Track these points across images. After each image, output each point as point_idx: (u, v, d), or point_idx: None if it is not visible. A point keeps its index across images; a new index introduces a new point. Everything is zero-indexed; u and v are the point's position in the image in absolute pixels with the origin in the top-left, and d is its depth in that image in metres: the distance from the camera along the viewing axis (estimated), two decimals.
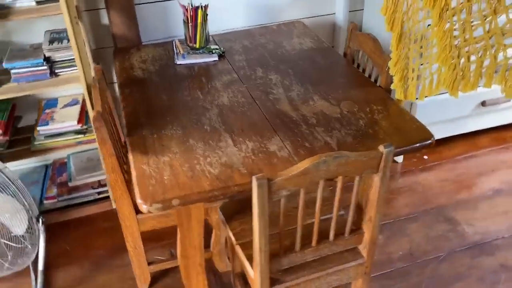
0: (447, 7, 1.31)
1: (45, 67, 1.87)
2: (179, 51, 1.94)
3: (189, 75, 1.80)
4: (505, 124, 2.61)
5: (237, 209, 1.54)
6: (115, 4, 2.01)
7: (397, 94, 1.55)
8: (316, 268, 1.36)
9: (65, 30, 1.84)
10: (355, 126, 1.45)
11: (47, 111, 2.09)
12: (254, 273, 1.29)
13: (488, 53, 1.35)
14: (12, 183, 1.64)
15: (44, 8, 1.74)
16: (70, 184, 2.19)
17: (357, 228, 1.37)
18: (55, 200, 2.16)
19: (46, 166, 2.36)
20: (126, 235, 1.64)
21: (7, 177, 1.62)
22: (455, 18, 1.33)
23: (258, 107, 1.57)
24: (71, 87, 1.91)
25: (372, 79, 1.77)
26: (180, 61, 1.88)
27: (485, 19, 1.30)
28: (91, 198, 2.18)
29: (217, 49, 1.94)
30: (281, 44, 2.02)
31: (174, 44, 2.01)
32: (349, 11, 2.45)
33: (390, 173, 2.37)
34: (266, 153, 1.34)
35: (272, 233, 1.23)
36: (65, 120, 2.02)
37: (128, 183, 1.49)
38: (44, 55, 1.86)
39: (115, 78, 1.92)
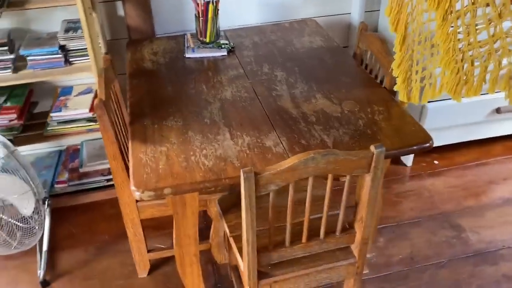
0: (451, 9, 1.30)
1: (60, 55, 1.93)
2: (190, 45, 1.97)
3: (196, 68, 1.83)
4: None
5: (234, 202, 1.56)
6: None
7: (400, 96, 1.54)
8: (306, 264, 1.37)
9: (80, 20, 1.89)
10: (353, 126, 1.45)
11: (61, 98, 2.16)
12: (243, 265, 1.32)
13: (492, 57, 1.33)
14: (21, 165, 1.70)
15: None
16: (81, 170, 2.25)
17: (350, 227, 1.38)
18: (66, 184, 2.22)
19: (60, 152, 2.43)
20: (126, 222, 1.68)
21: (16, 159, 1.69)
22: (459, 21, 1.31)
23: (260, 102, 1.59)
24: (84, 75, 1.96)
25: (378, 80, 1.76)
26: (189, 55, 1.91)
27: (490, 23, 1.28)
28: (100, 184, 2.24)
29: (226, 44, 1.96)
30: (291, 41, 2.03)
31: (185, 38, 2.04)
32: (365, 11, 2.43)
33: (398, 176, 2.39)
34: (262, 148, 1.36)
35: (265, 228, 1.25)
36: (78, 107, 2.08)
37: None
38: (59, 44, 1.92)
39: None
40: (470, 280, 1.85)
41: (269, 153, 1.34)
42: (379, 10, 2.48)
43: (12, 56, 1.91)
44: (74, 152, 2.41)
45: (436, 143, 2.41)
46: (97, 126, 2.09)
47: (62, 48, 1.93)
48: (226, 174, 1.26)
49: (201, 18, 1.91)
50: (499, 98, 2.21)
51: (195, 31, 2.01)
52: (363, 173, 1.21)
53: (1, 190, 1.72)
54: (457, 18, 1.30)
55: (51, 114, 2.06)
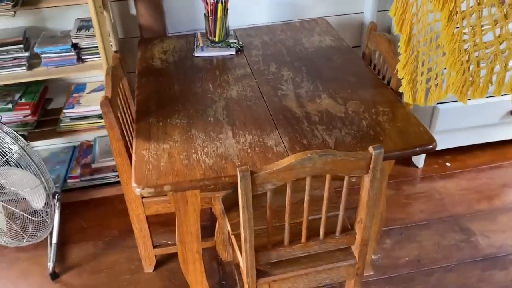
0: (456, 10, 1.28)
1: (73, 53, 1.97)
2: (199, 44, 1.99)
3: (204, 67, 1.84)
4: None
5: (237, 201, 1.57)
6: None
7: (406, 98, 1.52)
8: (305, 264, 1.38)
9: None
10: (356, 127, 1.44)
11: (75, 95, 2.21)
12: (242, 263, 1.33)
13: (498, 59, 1.31)
14: (32, 160, 1.75)
15: None
16: (93, 166, 2.30)
17: (351, 228, 1.37)
18: (78, 179, 2.27)
19: (74, 147, 2.49)
20: (132, 217, 1.71)
21: (28, 154, 1.73)
22: (465, 21, 1.29)
23: (264, 102, 1.59)
24: (96, 73, 2.00)
25: (386, 81, 1.74)
26: (198, 54, 1.93)
27: (496, 24, 1.26)
28: (111, 180, 2.28)
29: (235, 43, 1.97)
30: (300, 41, 2.03)
31: (195, 37, 2.06)
32: (378, 11, 2.41)
33: (409, 178, 2.36)
34: (263, 147, 1.36)
35: (265, 227, 1.26)
36: (90, 104, 2.12)
37: None
38: (72, 42, 1.96)
39: None
40: (478, 284, 1.82)
41: (269, 152, 1.34)
42: None
43: (27, 54, 1.96)
44: (87, 148, 2.46)
45: (449, 145, 2.41)
46: None
47: (75, 46, 1.97)
48: (226, 172, 1.27)
49: (210, 18, 1.92)
50: None
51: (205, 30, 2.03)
52: (362, 174, 1.20)
53: (13, 184, 1.78)
54: (463, 19, 1.29)
55: (64, 111, 2.11)
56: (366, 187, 1.23)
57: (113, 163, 2.30)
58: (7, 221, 1.82)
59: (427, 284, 1.82)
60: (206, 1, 1.90)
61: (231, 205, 1.57)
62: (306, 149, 1.34)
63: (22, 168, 1.78)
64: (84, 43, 1.98)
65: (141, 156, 1.34)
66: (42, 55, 1.96)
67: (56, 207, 1.88)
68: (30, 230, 1.89)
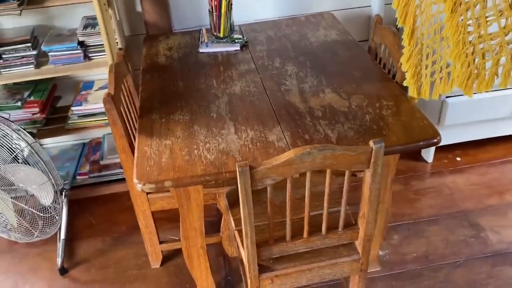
0: (460, 0, 1.25)
1: (79, 51, 1.99)
2: (204, 40, 1.99)
3: (208, 63, 1.84)
4: None
5: None
6: None
7: (410, 91, 1.50)
8: (308, 259, 1.37)
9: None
10: (360, 121, 1.42)
11: (83, 92, 2.23)
12: (244, 258, 1.33)
13: (504, 50, 1.28)
14: (40, 157, 1.77)
15: None
16: (101, 162, 2.32)
17: (355, 223, 1.36)
18: (87, 176, 2.30)
19: (84, 144, 2.51)
20: (138, 213, 1.73)
21: (35, 151, 1.76)
22: (469, 12, 1.26)
23: (268, 97, 1.59)
24: (103, 70, 2.01)
25: (391, 75, 1.72)
26: (202, 49, 1.93)
27: (501, 15, 1.23)
28: (119, 177, 2.30)
29: (240, 39, 1.97)
30: (306, 35, 2.01)
31: (201, 33, 2.06)
32: (385, 4, 2.38)
33: (418, 173, 2.33)
34: (264, 142, 1.36)
35: (267, 222, 1.26)
36: (98, 101, 2.14)
37: None
38: (78, 40, 1.98)
39: None
40: (487, 280, 1.79)
41: (271, 148, 1.34)
42: None
43: (34, 52, 1.98)
44: (96, 145, 2.48)
45: (459, 140, 2.37)
46: None
47: (81, 44, 1.99)
48: (227, 168, 1.27)
49: (214, 13, 1.92)
50: None
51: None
52: (363, 168, 1.19)
53: (22, 180, 1.80)
54: (467, 10, 1.26)
55: (72, 108, 2.13)
56: (368, 181, 1.21)
57: None
58: (17, 217, 1.85)
59: (435, 280, 1.80)
60: None
61: (235, 201, 1.56)
62: (308, 144, 1.33)
63: (30, 165, 1.81)
64: (90, 41, 1.99)
65: (143, 152, 1.35)
66: (50, 53, 1.99)
67: (63, 203, 1.90)
68: (40, 226, 1.92)
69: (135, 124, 1.68)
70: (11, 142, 1.78)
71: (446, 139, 2.33)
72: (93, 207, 2.25)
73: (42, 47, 1.98)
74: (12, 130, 1.76)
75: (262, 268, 1.34)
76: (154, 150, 1.35)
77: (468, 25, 1.29)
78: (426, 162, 2.40)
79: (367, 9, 2.44)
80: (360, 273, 1.42)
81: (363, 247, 1.36)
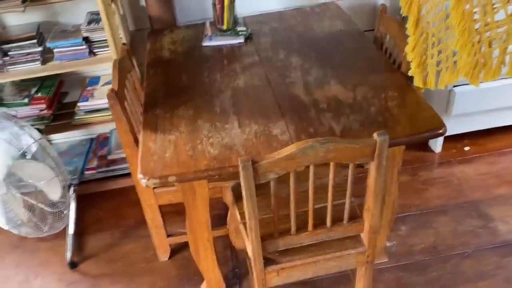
0: None
1: (84, 47, 1.99)
2: (208, 33, 1.98)
3: (212, 57, 1.84)
4: None
5: None
6: None
7: (416, 81, 1.48)
8: (313, 252, 1.37)
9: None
10: (365, 113, 1.41)
11: (89, 88, 2.24)
12: (250, 252, 1.33)
13: (511, 38, 1.25)
14: (47, 153, 1.79)
15: None
16: (109, 157, 2.34)
17: (361, 216, 1.36)
18: (95, 171, 2.32)
19: (92, 140, 2.53)
20: (144, 207, 1.74)
21: (42, 147, 1.77)
22: (475, 0, 1.24)
23: (272, 90, 1.58)
24: (108, 65, 2.01)
25: (396, 65, 1.70)
26: (206, 43, 1.92)
27: (508, 2, 1.20)
28: (127, 171, 2.31)
29: (244, 31, 1.95)
30: (311, 26, 1.99)
31: (204, 26, 2.05)
32: None
33: (426, 163, 2.31)
34: (268, 136, 1.36)
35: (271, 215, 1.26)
36: (104, 97, 2.14)
37: None
38: (83, 35, 1.98)
39: None
40: (496, 271, 1.78)
41: (275, 142, 1.33)
42: None
43: (40, 49, 1.99)
44: (104, 140, 2.50)
45: (467, 129, 2.34)
46: None
47: (86, 39, 1.99)
48: (231, 162, 1.27)
49: (217, 6, 1.91)
50: None
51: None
52: (367, 161, 1.18)
53: (31, 176, 1.82)
54: None
55: (78, 104, 2.14)
56: (373, 174, 1.20)
57: None
58: (27, 213, 1.87)
59: (443, 271, 1.79)
60: None
61: (241, 194, 1.56)
62: (312, 137, 1.32)
63: (39, 161, 1.82)
64: (94, 36, 2.00)
65: (148, 147, 1.35)
66: (55, 50, 1.99)
67: (72, 198, 1.92)
68: (49, 221, 1.94)
69: (140, 119, 1.68)
70: (19, 138, 1.79)
71: (454, 128, 2.30)
72: (101, 201, 2.27)
73: (47, 43, 1.99)
74: (20, 126, 1.78)
75: (268, 261, 1.35)
76: (158, 145, 1.35)
77: (474, 13, 1.26)
78: (434, 152, 2.38)
79: None
80: (366, 265, 1.42)
81: (368, 239, 1.35)
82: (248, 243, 1.30)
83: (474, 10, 1.26)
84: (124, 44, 1.92)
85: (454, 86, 2.11)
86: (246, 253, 1.78)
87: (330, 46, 1.82)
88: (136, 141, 1.56)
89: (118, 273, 1.91)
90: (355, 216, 1.35)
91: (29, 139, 1.77)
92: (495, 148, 2.36)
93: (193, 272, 1.86)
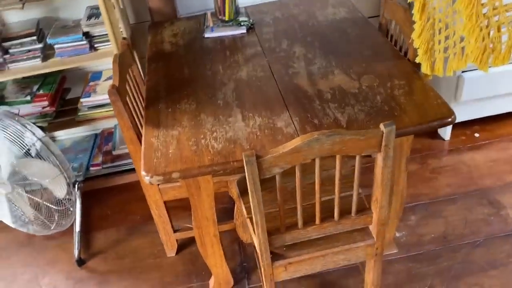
0: None
1: (85, 42, 1.97)
2: (209, 24, 1.95)
3: (214, 48, 1.81)
4: None
5: None
6: None
7: (423, 68, 1.44)
8: (321, 246, 1.35)
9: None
10: (370, 102, 1.38)
11: (91, 83, 2.22)
12: (257, 247, 1.31)
13: None
14: (51, 151, 1.77)
15: None
16: (114, 153, 2.32)
17: (368, 207, 1.33)
18: (100, 167, 2.30)
19: (96, 135, 2.52)
20: (150, 203, 1.73)
21: (45, 145, 1.76)
22: None
23: (275, 81, 1.55)
24: (109, 60, 1.99)
25: (402, 52, 1.66)
26: (208, 34, 1.89)
27: None
28: (132, 166, 2.29)
29: (246, 21, 1.92)
30: (314, 14, 1.95)
31: (206, 17, 2.02)
32: None
33: (434, 151, 2.27)
34: (273, 129, 1.33)
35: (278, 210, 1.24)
36: (106, 92, 2.12)
37: None
38: (83, 31, 1.96)
39: None
40: (508, 259, 1.75)
41: (279, 134, 1.30)
42: None
43: (40, 46, 1.97)
44: (108, 135, 2.48)
45: (477, 115, 2.30)
46: None
47: (86, 34, 1.97)
48: (235, 157, 1.25)
49: None
50: None
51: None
52: (374, 152, 1.15)
53: (35, 174, 1.81)
54: None
55: (81, 100, 2.13)
56: (380, 165, 1.18)
57: None
58: (33, 211, 1.86)
59: (454, 261, 1.77)
60: None
61: (246, 188, 1.54)
62: (317, 129, 1.30)
63: (43, 159, 1.81)
64: (95, 31, 1.97)
65: (150, 143, 1.33)
66: (55, 46, 1.97)
67: (77, 196, 1.91)
68: (56, 218, 1.94)
69: (143, 113, 1.66)
70: (22, 137, 1.78)
71: (463, 115, 2.26)
72: (107, 197, 2.26)
73: (47, 40, 1.97)
74: (22, 125, 1.77)
75: (275, 256, 1.33)
76: (161, 141, 1.33)
77: None
78: (443, 139, 2.34)
79: None
80: (375, 257, 1.40)
81: (377, 231, 1.33)
82: (255, 238, 1.28)
83: None
84: (124, 38, 1.89)
85: (463, 72, 2.06)
86: (254, 247, 1.76)
87: (333, 35, 1.78)
88: (140, 136, 1.54)
89: (126, 269, 1.91)
90: (363, 208, 1.33)
91: (33, 137, 1.76)
92: (505, 134, 2.32)
93: (201, 267, 1.85)
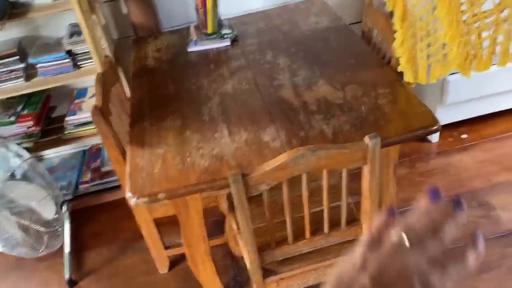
0: None
1: (68, 60, 1.95)
2: (193, 38, 1.94)
3: (198, 62, 1.80)
4: None
5: None
6: None
7: (406, 77, 1.44)
8: (313, 259, 1.34)
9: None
10: (356, 113, 1.38)
11: (76, 101, 2.20)
12: (247, 264, 1.30)
13: (500, 28, 1.22)
14: (36, 172, 1.75)
15: (58, 4, 1.81)
16: (102, 169, 2.30)
17: (357, 219, 1.33)
18: (89, 184, 2.28)
19: (84, 152, 2.49)
20: (139, 221, 1.71)
21: (31, 167, 1.74)
22: None
23: (260, 94, 1.54)
24: (93, 78, 1.97)
25: (386, 60, 1.66)
26: (191, 48, 1.88)
27: None
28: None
29: (229, 33, 1.91)
30: (297, 24, 1.95)
31: (189, 30, 2.01)
32: None
33: (423, 154, 2.27)
34: (259, 144, 1.32)
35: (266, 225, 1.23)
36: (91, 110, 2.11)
37: None
38: (65, 49, 1.94)
39: None
40: (501, 261, 1.76)
41: (266, 149, 1.30)
42: None
43: (23, 65, 1.95)
44: (96, 151, 2.46)
45: (463, 117, 2.31)
46: None
47: (69, 52, 1.95)
48: (221, 174, 1.23)
49: (200, 10, 1.87)
50: None
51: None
52: (361, 165, 1.15)
53: (21, 196, 1.79)
54: None
55: (66, 118, 2.11)
56: (367, 178, 1.17)
57: None
58: (22, 234, 1.84)
59: None
60: None
61: None
62: (303, 142, 1.29)
63: (29, 180, 1.79)
64: (77, 49, 1.95)
65: (135, 163, 1.32)
66: (38, 65, 1.95)
67: (65, 216, 1.89)
68: (45, 240, 1.91)
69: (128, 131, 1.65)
70: (7, 159, 1.76)
71: (450, 117, 2.27)
72: (97, 215, 2.23)
73: (29, 59, 1.95)
74: (6, 147, 1.74)
75: (267, 272, 1.32)
76: (146, 161, 1.32)
77: (461, 3, 1.23)
78: (431, 142, 2.35)
79: None
80: None
81: None
82: (245, 256, 1.27)
83: (461, 1, 1.22)
84: (106, 56, 1.88)
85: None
86: None
87: (317, 44, 1.78)
88: (125, 155, 1.52)
89: None
90: (353, 219, 1.33)
91: (17, 159, 1.74)
92: (491, 134, 2.33)
93: (193, 283, 1.82)
